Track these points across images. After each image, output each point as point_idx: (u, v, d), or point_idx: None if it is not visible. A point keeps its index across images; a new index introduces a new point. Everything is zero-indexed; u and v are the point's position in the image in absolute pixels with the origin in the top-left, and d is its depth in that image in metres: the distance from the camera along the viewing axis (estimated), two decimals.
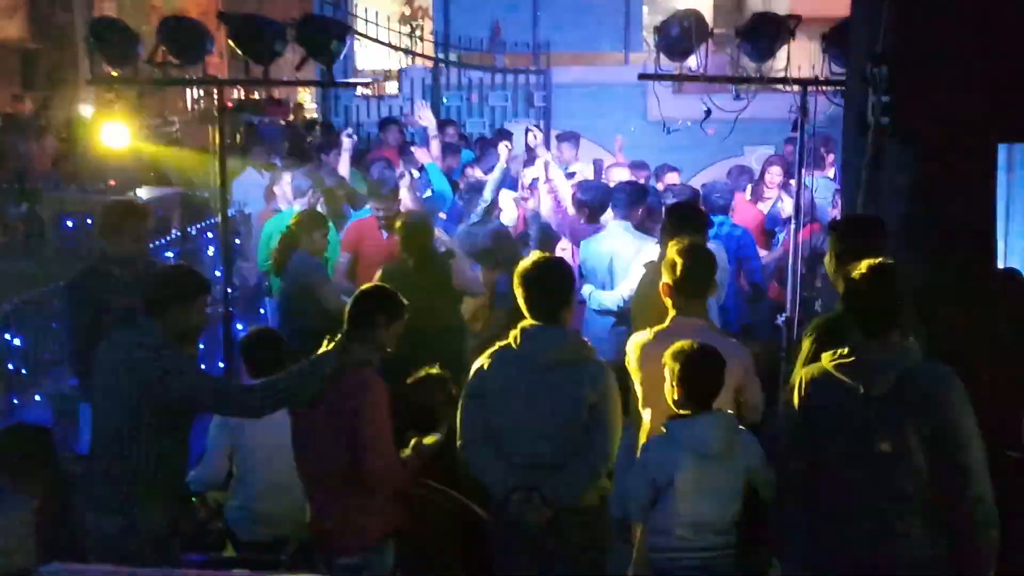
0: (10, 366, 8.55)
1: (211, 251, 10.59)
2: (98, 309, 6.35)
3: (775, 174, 10.28)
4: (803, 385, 4.32)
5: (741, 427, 4.85)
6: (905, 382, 4.09)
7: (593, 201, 8.56)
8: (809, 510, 4.33)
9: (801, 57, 8.06)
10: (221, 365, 8.55)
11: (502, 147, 9.36)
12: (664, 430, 4.79)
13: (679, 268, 5.29)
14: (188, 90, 21.57)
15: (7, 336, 8.59)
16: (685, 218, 6.48)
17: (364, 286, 5.33)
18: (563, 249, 8.93)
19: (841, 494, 4.22)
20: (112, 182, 12.10)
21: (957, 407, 4.08)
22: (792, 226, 8.00)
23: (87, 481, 5.09)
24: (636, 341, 5.37)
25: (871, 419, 4.11)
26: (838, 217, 7.54)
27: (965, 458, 4.05)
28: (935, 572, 4.13)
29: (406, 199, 8.80)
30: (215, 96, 8.25)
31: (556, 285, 4.98)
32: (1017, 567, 5.50)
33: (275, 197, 9.97)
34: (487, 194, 8.92)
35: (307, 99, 25.09)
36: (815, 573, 4.31)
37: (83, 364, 6.34)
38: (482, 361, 5.05)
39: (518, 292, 5.00)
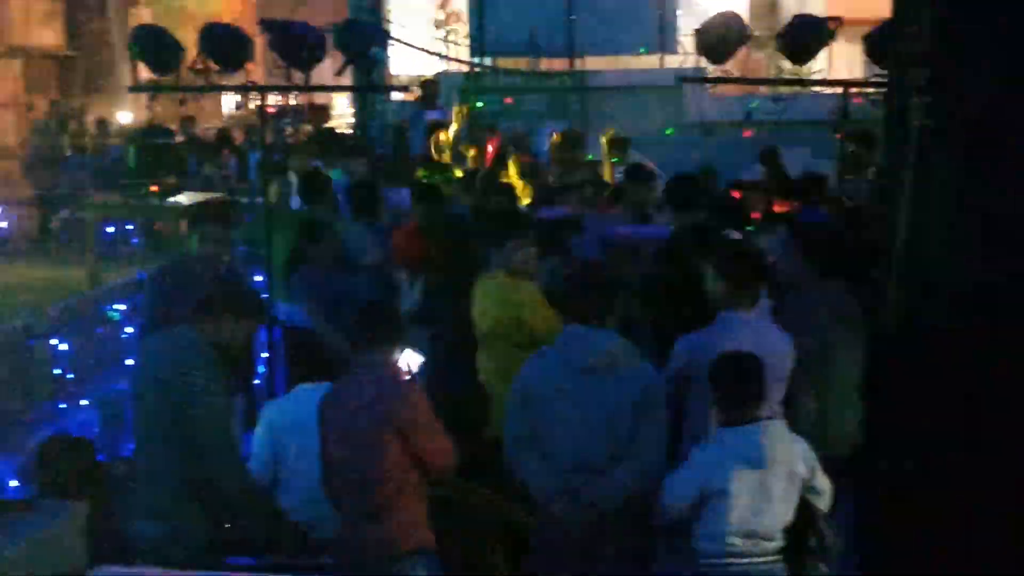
0: (57, 371, 8.62)
1: None
2: (171, 302, 6.38)
3: None
4: None
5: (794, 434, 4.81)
6: None
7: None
8: None
9: (840, 59, 8.05)
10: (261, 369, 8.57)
11: None
12: (716, 437, 4.78)
13: None
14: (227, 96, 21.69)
15: (53, 341, 8.66)
16: None
17: None
18: None
19: None
20: (153, 188, 12.12)
21: None
22: None
23: (130, 486, 5.10)
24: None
25: None
26: None
27: None
28: None
29: None
30: (255, 102, 8.29)
31: (603, 287, 4.98)
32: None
33: None
34: None
35: (343, 105, 25.11)
36: None
37: None
38: (528, 362, 5.06)
39: (566, 292, 5.02)
